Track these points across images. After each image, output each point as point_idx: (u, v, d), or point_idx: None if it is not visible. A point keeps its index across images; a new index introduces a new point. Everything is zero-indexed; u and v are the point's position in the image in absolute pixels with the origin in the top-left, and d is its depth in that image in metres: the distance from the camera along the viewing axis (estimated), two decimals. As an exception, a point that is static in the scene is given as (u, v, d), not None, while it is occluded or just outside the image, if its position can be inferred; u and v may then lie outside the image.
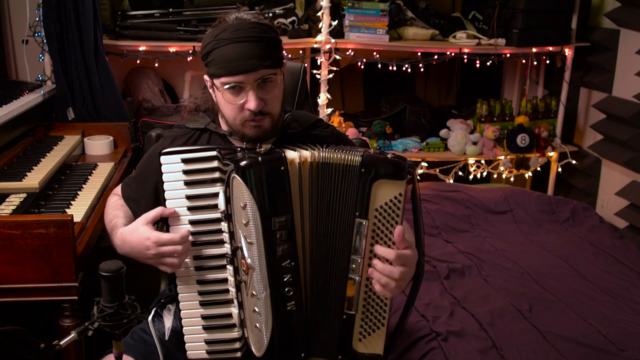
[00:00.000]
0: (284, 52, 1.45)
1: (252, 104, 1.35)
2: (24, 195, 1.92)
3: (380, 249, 1.27)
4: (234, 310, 1.37)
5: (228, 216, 1.34)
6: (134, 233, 1.35)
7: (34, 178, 2.01)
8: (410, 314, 1.43)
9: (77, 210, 1.89)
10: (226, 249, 1.36)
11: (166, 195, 1.38)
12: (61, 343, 1.15)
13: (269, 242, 1.29)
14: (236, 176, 1.28)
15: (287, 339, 1.33)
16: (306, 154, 1.32)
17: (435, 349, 2.09)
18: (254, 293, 1.32)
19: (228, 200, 1.33)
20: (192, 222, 1.36)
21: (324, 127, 1.60)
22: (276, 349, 1.33)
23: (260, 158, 1.29)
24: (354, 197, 1.28)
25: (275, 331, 1.32)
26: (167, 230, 1.39)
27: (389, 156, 1.29)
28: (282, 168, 1.29)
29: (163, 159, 1.37)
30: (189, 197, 1.36)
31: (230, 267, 1.36)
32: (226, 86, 1.35)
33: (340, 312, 1.32)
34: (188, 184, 1.36)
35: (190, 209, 1.36)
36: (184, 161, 1.36)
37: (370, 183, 1.27)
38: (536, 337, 2.20)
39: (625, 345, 2.15)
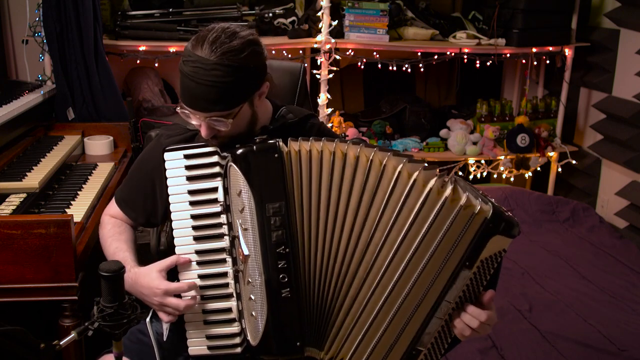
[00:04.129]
0: (260, 80, 1.37)
1: (202, 132, 1.37)
2: (24, 195, 1.91)
3: (473, 309, 1.27)
4: (233, 303, 1.38)
5: (227, 207, 1.37)
6: (146, 277, 1.37)
7: (34, 178, 2.01)
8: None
9: (77, 210, 1.89)
10: (226, 241, 1.38)
11: (169, 190, 1.40)
12: (61, 343, 1.15)
13: (263, 228, 1.31)
14: (232, 164, 1.33)
15: (282, 326, 1.34)
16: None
17: (435, 349, 2.09)
18: (250, 280, 1.34)
19: (226, 191, 1.36)
20: (194, 217, 1.39)
21: (315, 118, 1.62)
22: (271, 336, 1.34)
23: (255, 147, 1.33)
24: (463, 244, 1.23)
25: (270, 318, 1.33)
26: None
27: (505, 210, 1.25)
28: (276, 155, 1.31)
29: (167, 155, 1.41)
30: (191, 192, 1.39)
31: (229, 259, 1.38)
32: (183, 110, 1.37)
33: (408, 345, 1.31)
34: (190, 179, 1.40)
35: (192, 203, 1.39)
36: (186, 157, 1.40)
37: (490, 237, 1.23)
38: (536, 337, 2.20)
39: (625, 346, 2.15)
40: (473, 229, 1.22)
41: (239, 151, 1.33)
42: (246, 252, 1.33)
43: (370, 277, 1.30)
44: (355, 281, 1.32)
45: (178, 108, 1.38)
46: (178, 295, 1.36)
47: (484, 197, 1.24)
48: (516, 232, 1.24)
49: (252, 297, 1.34)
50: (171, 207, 1.40)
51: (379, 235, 1.28)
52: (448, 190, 1.22)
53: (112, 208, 1.60)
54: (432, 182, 1.23)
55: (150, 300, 1.37)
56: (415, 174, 1.24)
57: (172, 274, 1.40)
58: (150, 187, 1.53)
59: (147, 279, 1.36)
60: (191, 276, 1.39)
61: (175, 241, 1.40)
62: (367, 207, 1.29)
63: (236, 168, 1.32)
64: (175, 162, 1.40)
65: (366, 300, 1.31)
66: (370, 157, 1.29)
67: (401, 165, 1.25)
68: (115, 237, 1.51)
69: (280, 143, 1.33)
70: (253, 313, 1.35)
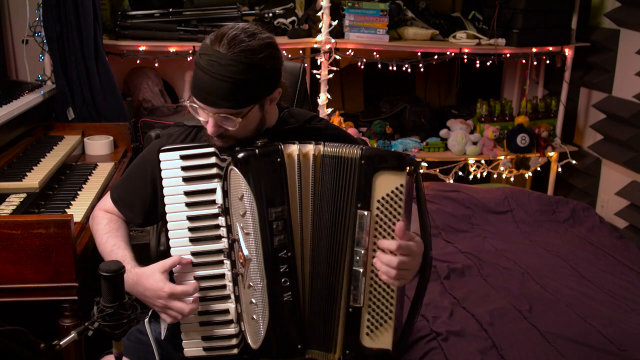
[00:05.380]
0: (276, 77, 1.38)
1: (209, 129, 1.37)
2: (24, 195, 1.92)
3: (382, 242, 1.29)
4: (231, 305, 1.38)
5: (225, 210, 1.36)
6: (149, 278, 1.36)
7: (34, 178, 2.01)
8: (419, 309, 1.43)
9: (77, 210, 1.89)
10: (223, 244, 1.38)
11: (165, 191, 1.40)
12: (61, 343, 1.15)
13: (265, 232, 1.31)
14: (234, 168, 1.32)
15: (283, 330, 1.34)
16: (309, 147, 1.34)
17: (435, 349, 2.09)
18: (251, 284, 1.34)
19: (225, 194, 1.36)
20: (190, 218, 1.38)
21: (319, 121, 1.62)
22: (272, 340, 1.34)
23: (257, 150, 1.32)
24: (355, 189, 1.30)
25: (272, 322, 1.33)
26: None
27: (383, 149, 1.32)
28: (278, 160, 1.32)
29: (162, 155, 1.40)
30: (187, 193, 1.39)
31: (227, 261, 1.38)
32: (193, 104, 1.37)
33: (345, 305, 1.33)
34: (186, 180, 1.39)
35: (188, 204, 1.39)
36: (183, 158, 1.39)
37: (371, 174, 1.29)
38: (536, 337, 2.19)
39: (625, 345, 2.15)
40: (351, 172, 1.31)
41: (241, 154, 1.32)
42: (247, 255, 1.32)
43: (339, 263, 1.34)
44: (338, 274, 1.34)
45: (187, 102, 1.38)
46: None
47: (371, 147, 1.34)
48: (402, 164, 1.29)
49: (253, 301, 1.34)
50: (167, 209, 1.40)
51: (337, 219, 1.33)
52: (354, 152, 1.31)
53: (107, 203, 1.58)
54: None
55: (152, 302, 1.36)
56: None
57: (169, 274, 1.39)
58: (151, 187, 1.52)
59: (150, 280, 1.35)
60: (187, 278, 1.39)
61: (171, 242, 1.39)
62: (332, 200, 1.33)
63: (237, 171, 1.31)
64: (170, 163, 1.39)
65: (341, 286, 1.34)
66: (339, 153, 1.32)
67: None
68: (112, 233, 1.50)
69: (282, 147, 1.32)
70: (254, 317, 1.34)
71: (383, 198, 1.29)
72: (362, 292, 1.32)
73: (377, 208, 1.29)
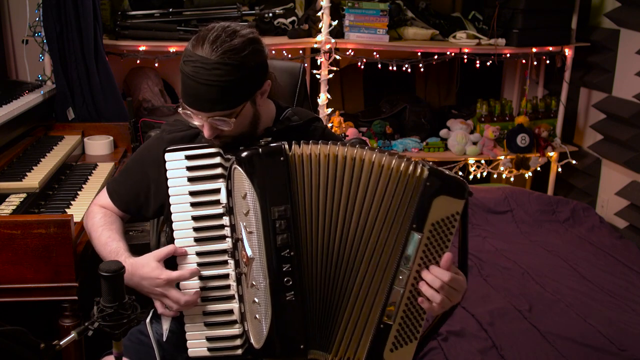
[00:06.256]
0: (262, 81, 1.37)
1: (206, 133, 1.36)
2: (24, 195, 1.92)
3: (435, 269, 1.28)
4: (235, 305, 1.38)
5: (229, 209, 1.36)
6: (145, 267, 1.36)
7: (34, 178, 2.01)
8: (438, 330, 1.44)
9: (77, 210, 1.89)
10: (228, 243, 1.38)
11: (170, 191, 1.40)
12: (61, 343, 1.15)
13: (268, 231, 1.31)
14: (237, 167, 1.32)
15: (286, 329, 1.34)
16: (324, 147, 1.32)
17: (435, 349, 2.09)
18: (254, 283, 1.33)
19: (229, 193, 1.36)
20: (195, 218, 1.38)
21: (319, 122, 1.62)
22: (275, 340, 1.34)
23: (260, 149, 1.32)
24: (414, 208, 1.28)
25: (274, 322, 1.33)
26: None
27: (447, 172, 1.29)
28: (281, 159, 1.31)
29: (167, 156, 1.40)
30: (192, 193, 1.39)
31: (231, 261, 1.38)
32: (185, 111, 1.36)
33: (377, 319, 1.33)
34: (191, 180, 1.39)
35: (193, 204, 1.39)
36: (188, 158, 1.39)
37: (432, 197, 1.27)
38: (536, 337, 2.20)
39: (625, 345, 2.15)
40: (411, 190, 1.28)
41: (244, 154, 1.32)
42: (250, 255, 1.32)
43: (368, 273, 1.33)
44: (357, 279, 1.33)
45: (180, 108, 1.38)
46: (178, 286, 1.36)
47: (434, 167, 1.29)
48: (463, 193, 1.27)
49: (256, 300, 1.34)
50: (172, 208, 1.40)
51: (376, 230, 1.32)
52: (418, 170, 1.28)
53: (103, 198, 1.58)
54: (403, 166, 1.29)
55: (150, 291, 1.36)
56: (395, 164, 1.30)
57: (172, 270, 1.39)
58: (145, 182, 1.52)
59: (146, 269, 1.35)
60: (194, 278, 1.39)
61: (176, 242, 1.40)
62: (367, 208, 1.31)
63: (241, 170, 1.32)
64: (176, 163, 1.40)
65: (365, 295, 1.33)
66: (372, 159, 1.30)
67: (394, 162, 1.29)
68: (106, 226, 1.50)
69: (286, 146, 1.32)
70: (257, 316, 1.34)
71: (437, 222, 1.27)
72: (397, 310, 1.31)
73: (430, 231, 1.28)
